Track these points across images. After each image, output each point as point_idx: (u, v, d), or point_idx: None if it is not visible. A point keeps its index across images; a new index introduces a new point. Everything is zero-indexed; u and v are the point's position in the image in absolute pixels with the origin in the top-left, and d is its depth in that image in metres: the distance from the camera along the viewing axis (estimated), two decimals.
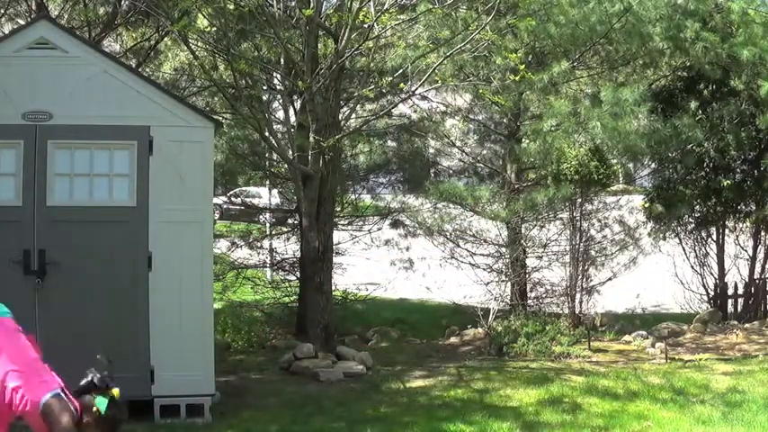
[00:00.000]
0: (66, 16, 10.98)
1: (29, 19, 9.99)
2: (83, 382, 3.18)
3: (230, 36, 8.27)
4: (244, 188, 16.22)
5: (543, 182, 10.24)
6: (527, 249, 10.92)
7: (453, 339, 9.95)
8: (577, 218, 10.02)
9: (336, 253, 10.68)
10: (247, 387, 7.72)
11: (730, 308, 11.24)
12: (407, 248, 12.04)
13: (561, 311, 10.20)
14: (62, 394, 3.09)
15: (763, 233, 11.39)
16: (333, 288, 9.78)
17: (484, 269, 11.11)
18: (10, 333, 3.23)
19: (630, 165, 11.87)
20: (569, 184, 9.54)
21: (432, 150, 13.04)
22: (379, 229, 12.12)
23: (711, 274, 11.50)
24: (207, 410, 6.53)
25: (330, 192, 9.25)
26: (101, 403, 3.09)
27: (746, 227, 11.62)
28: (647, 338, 9.55)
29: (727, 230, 11.52)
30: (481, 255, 11.19)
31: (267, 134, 8.82)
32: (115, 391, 3.15)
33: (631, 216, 11.30)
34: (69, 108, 6.39)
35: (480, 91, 9.57)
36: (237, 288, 11.55)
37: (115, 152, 6.56)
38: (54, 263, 6.30)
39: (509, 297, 10.71)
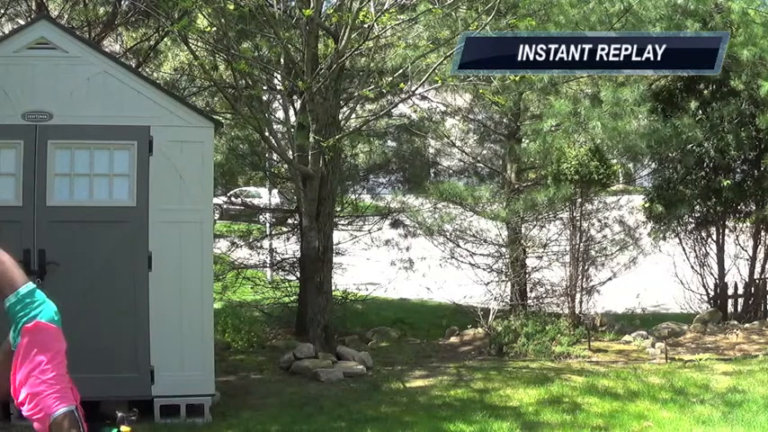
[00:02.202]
0: (66, 16, 10.97)
1: (29, 19, 9.98)
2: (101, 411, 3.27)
3: (230, 36, 8.26)
4: (244, 188, 16.22)
5: (543, 182, 10.24)
6: (527, 249, 10.92)
7: (453, 339, 9.95)
8: (577, 218, 10.01)
9: (336, 253, 10.68)
10: (247, 387, 7.72)
11: (730, 308, 11.23)
12: (407, 248, 12.03)
13: (561, 311, 10.20)
14: (75, 413, 3.12)
15: (763, 233, 11.38)
16: (333, 288, 9.78)
17: (484, 269, 11.11)
18: (51, 342, 3.25)
19: (630, 165, 11.87)
20: (569, 184, 9.55)
21: (432, 150, 13.03)
22: (379, 229, 12.11)
23: (711, 274, 11.49)
24: (207, 410, 6.53)
25: (330, 192, 9.26)
26: None
27: (746, 227, 11.61)
28: (647, 338, 9.55)
29: (727, 230, 11.51)
30: (481, 255, 11.19)
31: (267, 134, 8.82)
32: (125, 429, 3.22)
33: (631, 216, 11.29)
34: (69, 108, 6.39)
35: (480, 91, 9.57)
36: (237, 288, 11.55)
37: (115, 152, 6.55)
38: (54, 263, 6.29)
39: (509, 297, 10.71)
